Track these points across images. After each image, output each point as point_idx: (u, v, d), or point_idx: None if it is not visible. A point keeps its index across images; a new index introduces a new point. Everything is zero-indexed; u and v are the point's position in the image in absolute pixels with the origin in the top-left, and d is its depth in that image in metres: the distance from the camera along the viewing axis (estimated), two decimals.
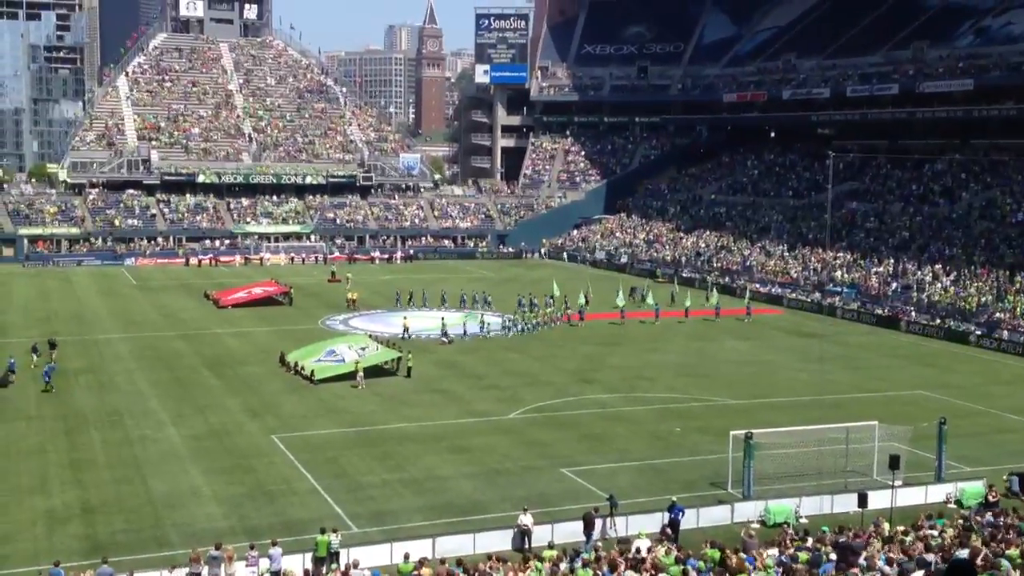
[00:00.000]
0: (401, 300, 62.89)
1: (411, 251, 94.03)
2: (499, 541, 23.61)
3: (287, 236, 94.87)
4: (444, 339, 51.50)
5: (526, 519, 24.16)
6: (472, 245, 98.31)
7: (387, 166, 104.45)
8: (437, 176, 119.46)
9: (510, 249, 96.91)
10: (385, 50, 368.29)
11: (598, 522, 24.75)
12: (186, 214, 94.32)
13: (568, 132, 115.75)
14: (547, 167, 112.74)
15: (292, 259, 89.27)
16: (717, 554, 19.65)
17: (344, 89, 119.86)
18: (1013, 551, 16.98)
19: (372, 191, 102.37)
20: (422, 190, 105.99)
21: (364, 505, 26.78)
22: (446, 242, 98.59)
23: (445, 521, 25.41)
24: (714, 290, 64.87)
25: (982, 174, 73.87)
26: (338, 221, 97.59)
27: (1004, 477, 28.59)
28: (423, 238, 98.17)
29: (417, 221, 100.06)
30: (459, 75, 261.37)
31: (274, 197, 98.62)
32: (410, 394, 40.07)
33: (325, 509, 26.28)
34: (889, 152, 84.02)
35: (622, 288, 62.16)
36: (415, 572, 20.13)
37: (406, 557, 21.39)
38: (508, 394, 39.95)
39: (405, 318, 54.17)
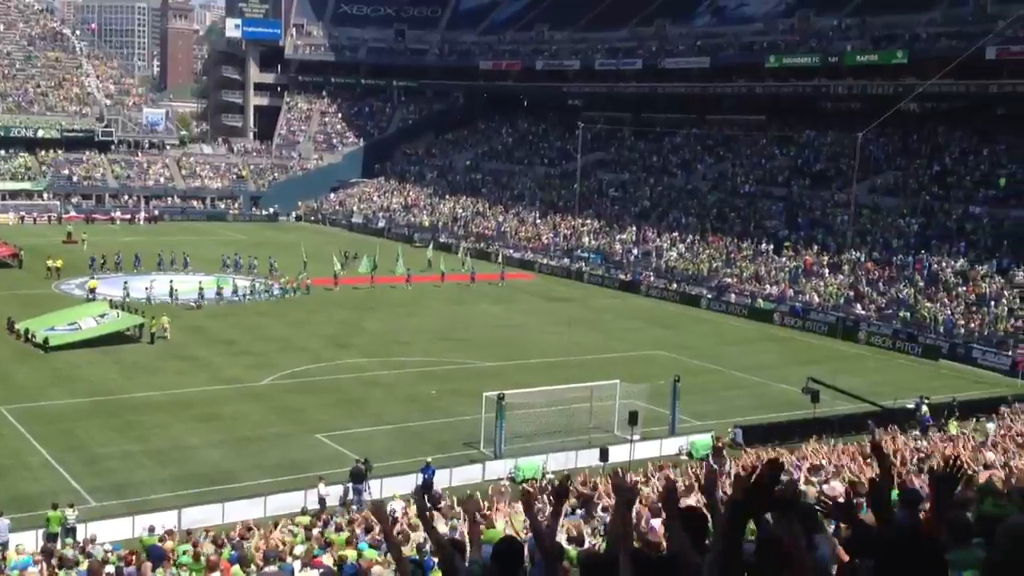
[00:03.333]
0: (164, 262, 60.07)
1: (156, 212, 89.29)
2: (249, 509, 23.17)
3: (16, 193, 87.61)
4: (192, 303, 49.60)
5: (323, 488, 24.20)
6: (223, 207, 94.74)
7: (129, 121, 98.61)
8: (184, 133, 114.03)
9: (264, 211, 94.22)
10: None
11: (349, 487, 24.83)
12: None
13: (325, 93, 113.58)
14: (303, 128, 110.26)
15: (22, 218, 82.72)
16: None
17: (80, 36, 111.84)
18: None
19: (112, 147, 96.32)
20: (168, 148, 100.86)
21: (104, 478, 25.53)
22: (194, 203, 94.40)
23: (193, 492, 24.69)
24: (467, 255, 65.91)
25: (716, 148, 78.88)
26: (74, 179, 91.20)
27: (729, 430, 30.92)
28: (169, 198, 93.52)
29: (163, 180, 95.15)
30: (208, 28, 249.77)
31: (1, 151, 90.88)
32: (154, 361, 38.40)
33: (60, 483, 24.86)
34: (634, 124, 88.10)
35: (373, 255, 61.29)
36: (159, 544, 19.43)
37: (150, 530, 20.61)
38: (260, 360, 39.07)
39: (153, 281, 51.69)
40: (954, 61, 56.65)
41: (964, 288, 48.69)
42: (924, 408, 31.77)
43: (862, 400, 31.53)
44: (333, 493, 24.94)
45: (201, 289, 50.75)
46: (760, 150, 75.11)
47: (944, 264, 51.32)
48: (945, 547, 6.41)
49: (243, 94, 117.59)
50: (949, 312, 46.94)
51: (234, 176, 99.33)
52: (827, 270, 55.08)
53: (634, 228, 69.45)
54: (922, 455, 22.17)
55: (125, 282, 51.07)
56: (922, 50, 65.81)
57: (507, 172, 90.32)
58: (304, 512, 22.64)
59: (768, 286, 55.45)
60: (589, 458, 27.83)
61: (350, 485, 24.92)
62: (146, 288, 50.24)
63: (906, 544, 2.99)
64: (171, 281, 51.77)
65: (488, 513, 19.07)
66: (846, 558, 6.48)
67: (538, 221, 76.90)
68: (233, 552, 18.24)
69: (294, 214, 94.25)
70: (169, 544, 19.12)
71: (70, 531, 21.06)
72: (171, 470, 26.44)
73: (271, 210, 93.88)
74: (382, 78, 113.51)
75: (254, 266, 60.30)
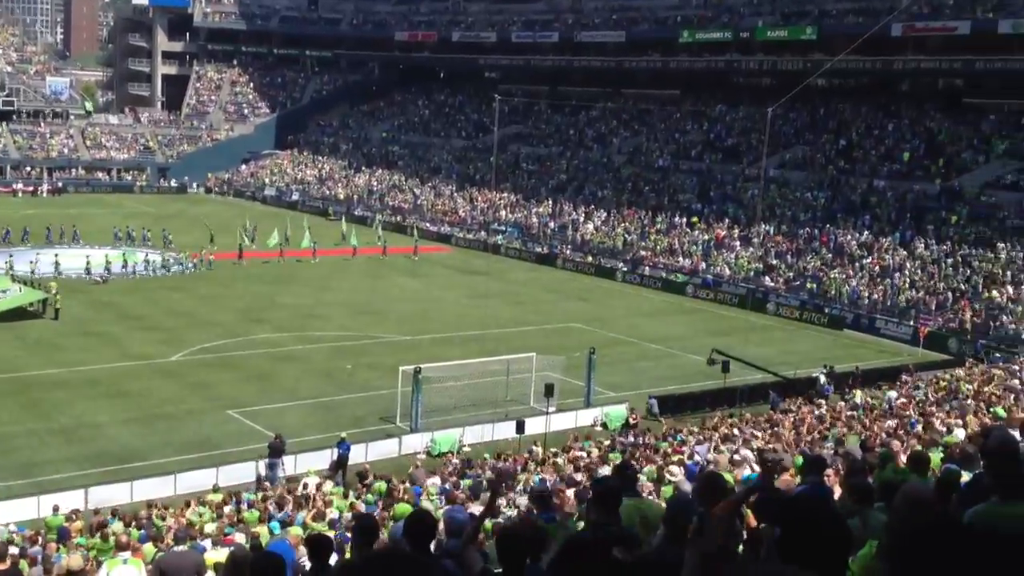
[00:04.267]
0: (53, 236, 58.17)
1: (59, 183, 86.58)
2: (159, 488, 22.78)
3: None
4: (98, 278, 48.32)
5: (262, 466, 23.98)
6: (130, 178, 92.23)
7: (32, 90, 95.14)
8: (89, 103, 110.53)
9: (173, 183, 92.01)
10: None
11: (262, 463, 24.56)
12: None
13: (235, 62, 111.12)
14: (213, 98, 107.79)
15: None
16: (383, 486, 20.14)
17: None
18: (650, 468, 18.75)
19: (14, 117, 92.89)
20: (72, 118, 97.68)
21: (8, 457, 24.84)
22: (100, 174, 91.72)
23: (100, 470, 24.15)
24: (380, 228, 65.18)
25: (631, 122, 79.52)
26: None
27: (647, 400, 31.38)
28: (74, 170, 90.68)
29: (67, 151, 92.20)
30: None
31: None
32: (59, 337, 37.35)
33: None
34: (550, 98, 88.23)
35: (281, 228, 59.99)
36: (66, 525, 19.00)
37: (55, 509, 20.12)
38: (170, 335, 38.30)
39: (56, 255, 50.14)
40: (860, 37, 57.92)
41: (868, 260, 50.10)
42: (823, 378, 32.69)
43: (764, 371, 32.30)
44: (249, 470, 24.64)
45: (108, 264, 49.46)
46: (674, 124, 75.98)
47: (849, 237, 52.69)
48: (849, 512, 6.66)
49: (150, 63, 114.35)
50: (854, 283, 48.26)
51: (141, 147, 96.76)
52: (738, 243, 56.11)
53: (550, 201, 69.71)
54: (826, 424, 22.86)
55: (35, 256, 49.62)
56: (830, 26, 67.23)
57: (423, 145, 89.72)
58: (216, 490, 22.32)
59: (681, 259, 56.28)
60: (506, 431, 28.01)
61: (267, 461, 24.61)
62: (31, 262, 48.48)
63: (808, 509, 3.07)
64: (56, 255, 49.88)
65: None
66: (754, 523, 6.66)
67: (455, 194, 76.65)
68: (142, 531, 17.94)
69: (204, 186, 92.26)
70: (77, 524, 18.72)
71: None
72: (78, 448, 25.83)
73: (180, 182, 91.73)
74: (295, 48, 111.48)
75: (147, 239, 58.82)
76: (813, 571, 2.75)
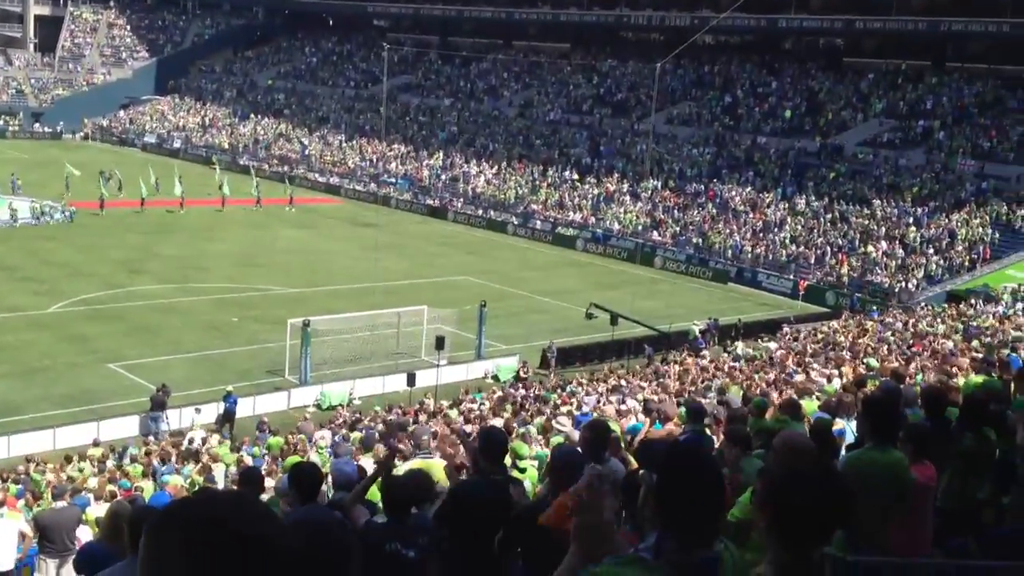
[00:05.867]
0: None
1: None
2: (37, 443, 22.07)
3: None
4: None
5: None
6: (2, 123, 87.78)
7: None
8: None
9: (47, 129, 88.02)
10: None
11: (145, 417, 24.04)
12: None
13: (112, 3, 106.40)
14: (88, 40, 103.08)
15: None
16: (279, 441, 19.91)
17: None
18: (539, 419, 18.99)
19: None
20: None
21: None
22: None
23: None
24: (256, 178, 62.87)
25: (521, 75, 79.36)
26: None
27: (548, 345, 31.40)
28: None
29: None
30: None
31: None
32: None
33: None
34: (440, 48, 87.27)
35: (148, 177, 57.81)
36: None
37: None
38: (46, 287, 36.85)
39: None
40: None
41: (751, 215, 51.41)
42: (696, 330, 33.51)
43: (639, 324, 32.84)
44: (131, 424, 24.06)
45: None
46: (564, 78, 76.12)
47: (734, 192, 53.94)
48: (728, 459, 6.87)
49: (22, 3, 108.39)
50: (737, 239, 49.50)
51: (13, 91, 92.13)
52: (627, 198, 56.83)
53: (441, 154, 69.25)
54: (709, 375, 23.49)
55: None
56: None
57: (310, 93, 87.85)
58: (96, 444, 21.73)
59: (571, 213, 56.72)
60: (397, 383, 27.98)
61: (149, 414, 24.06)
62: None
63: (684, 454, 3.16)
64: None
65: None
66: (635, 465, 6.82)
67: (344, 145, 75.43)
68: (19, 487, 17.38)
69: (80, 132, 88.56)
70: None
71: None
72: None
73: (55, 128, 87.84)
74: None
75: (17, 187, 56.00)
76: (688, 516, 2.82)
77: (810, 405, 12.17)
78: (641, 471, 5.76)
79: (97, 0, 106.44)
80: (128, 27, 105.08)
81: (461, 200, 62.21)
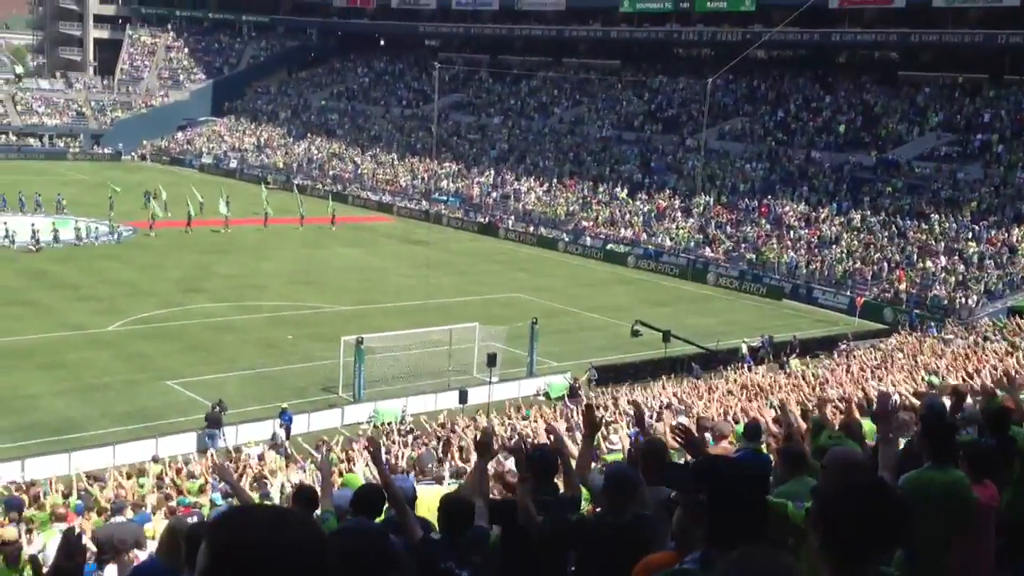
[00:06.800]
0: (11, 204, 56.63)
1: None
2: (98, 459, 22.44)
3: None
4: (31, 246, 47.18)
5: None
6: (63, 145, 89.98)
7: None
8: (20, 68, 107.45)
9: (106, 150, 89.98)
10: None
11: (203, 434, 24.36)
12: None
13: (170, 26, 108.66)
14: (147, 63, 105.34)
15: None
16: (334, 458, 20.03)
17: None
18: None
19: None
20: (2, 83, 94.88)
21: None
22: (32, 141, 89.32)
23: (37, 442, 23.71)
24: (299, 197, 63.21)
25: (572, 92, 79.46)
26: None
27: (587, 369, 31.47)
28: (4, 136, 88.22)
29: None
30: None
31: None
32: None
33: None
34: (491, 67, 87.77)
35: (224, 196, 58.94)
36: (17, 495, 18.63)
37: None
38: (107, 305, 37.59)
39: (5, 223, 48.83)
40: (798, 10, 58.45)
41: (806, 231, 50.85)
42: (744, 348, 33.19)
43: (687, 342, 32.51)
44: (189, 441, 24.41)
45: (44, 231, 48.19)
46: (615, 94, 76.08)
47: (787, 208, 53.41)
48: (782, 478, 6.77)
49: (82, 26, 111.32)
50: (792, 254, 48.97)
51: (74, 113, 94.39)
52: (679, 214, 56.54)
53: (492, 171, 69.52)
54: (763, 393, 23.21)
55: None
56: None
57: (363, 113, 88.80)
58: (155, 460, 22.05)
59: (623, 229, 56.56)
60: (448, 400, 28.04)
61: (206, 431, 24.40)
62: None
63: (732, 471, 3.10)
64: (5, 223, 48.88)
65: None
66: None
67: (396, 163, 76.05)
68: (79, 502, 17.68)
69: (138, 153, 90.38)
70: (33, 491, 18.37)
71: None
72: (13, 420, 25.31)
73: (115, 149, 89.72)
74: (231, 12, 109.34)
75: (40, 204, 57.15)
76: (735, 532, 2.77)
77: (869, 424, 11.98)
78: (674, 493, 5.71)
79: (155, 23, 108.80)
80: (186, 50, 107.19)
81: (512, 217, 62.34)
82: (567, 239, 57.60)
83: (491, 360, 28.25)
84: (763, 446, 9.85)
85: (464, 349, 31.17)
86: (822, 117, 62.79)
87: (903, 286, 43.50)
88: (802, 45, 68.97)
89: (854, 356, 28.76)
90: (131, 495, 18.02)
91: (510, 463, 16.98)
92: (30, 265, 44.03)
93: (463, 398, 27.25)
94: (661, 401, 23.55)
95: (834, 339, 35.14)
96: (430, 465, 18.19)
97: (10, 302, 37.28)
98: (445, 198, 67.64)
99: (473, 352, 30.98)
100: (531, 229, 60.04)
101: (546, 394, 30.14)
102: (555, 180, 65.12)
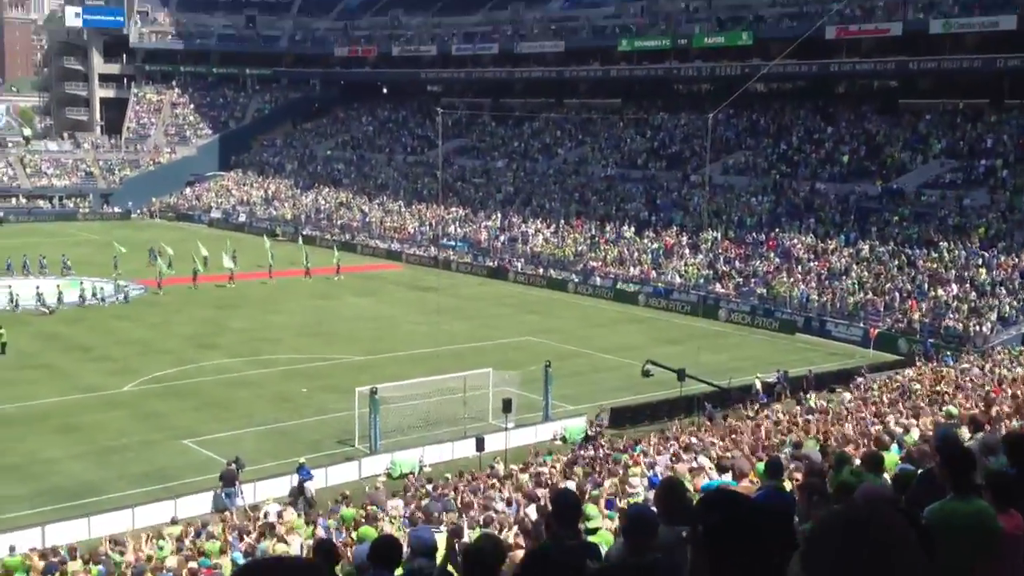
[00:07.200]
0: (14, 267, 56.96)
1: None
2: (117, 522, 22.38)
3: None
4: (43, 309, 47.39)
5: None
6: (72, 205, 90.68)
7: None
8: (27, 130, 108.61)
9: (116, 209, 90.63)
10: None
11: (219, 493, 24.29)
12: None
13: (174, 83, 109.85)
14: (153, 120, 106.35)
15: None
16: (352, 512, 19.97)
17: None
18: (611, 480, 18.84)
19: None
20: (10, 145, 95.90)
21: None
22: (41, 203, 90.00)
23: (55, 507, 23.67)
24: (304, 248, 63.29)
25: (574, 132, 79.96)
26: None
27: (596, 415, 31.03)
28: (14, 199, 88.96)
29: (6, 180, 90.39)
30: (47, 18, 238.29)
31: None
32: (5, 372, 36.54)
33: None
34: (493, 110, 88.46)
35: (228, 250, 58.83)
36: (27, 563, 18.58)
37: (11, 550, 19.68)
38: (120, 365, 37.68)
39: (11, 287, 49.11)
40: (795, 41, 58.91)
41: (815, 263, 50.82)
42: (758, 384, 32.95)
43: (698, 380, 32.18)
44: (205, 499, 24.35)
45: (48, 294, 48.38)
46: (617, 133, 76.53)
47: (795, 240, 53.42)
48: (805, 515, 6.73)
49: (88, 86, 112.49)
50: (803, 287, 48.91)
51: (83, 173, 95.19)
52: (687, 250, 56.59)
53: (499, 214, 69.80)
54: (783, 429, 23.11)
55: None
56: (766, 31, 68.39)
57: (369, 161, 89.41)
58: (174, 522, 21.99)
59: (631, 268, 56.62)
60: (465, 449, 27.93)
61: (223, 490, 24.32)
62: None
63: (729, 506, 2.89)
64: (10, 288, 49.18)
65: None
66: None
67: (403, 210, 76.42)
68: (101, 568, 17.62)
69: (147, 210, 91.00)
70: (37, 565, 18.31)
71: None
72: (30, 486, 25.28)
73: (124, 208, 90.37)
74: (234, 66, 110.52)
75: (44, 266, 57.49)
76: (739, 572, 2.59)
77: (891, 457, 11.91)
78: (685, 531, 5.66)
79: (160, 80, 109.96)
80: (191, 105, 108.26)
81: (521, 260, 62.46)
82: (576, 280, 57.63)
83: (506, 406, 28.17)
84: (785, 484, 9.80)
85: (479, 395, 31.08)
86: (825, 148, 63.00)
87: (916, 315, 43.34)
88: (801, 77, 69.41)
89: (871, 389, 28.62)
90: (152, 559, 17.99)
91: (531, 510, 16.92)
92: (42, 328, 44.21)
93: (480, 446, 27.13)
94: (683, 443, 23.41)
95: (850, 372, 34.97)
96: (435, 514, 18.19)
97: (25, 366, 37.41)
98: (453, 243, 67.85)
99: (488, 398, 30.90)
100: (540, 271, 60.13)
101: (563, 438, 30.02)
102: (562, 221, 65.32)
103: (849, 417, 23.27)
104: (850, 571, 2.28)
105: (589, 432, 29.38)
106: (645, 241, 59.26)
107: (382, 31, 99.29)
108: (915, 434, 17.81)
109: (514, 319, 48.88)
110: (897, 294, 45.60)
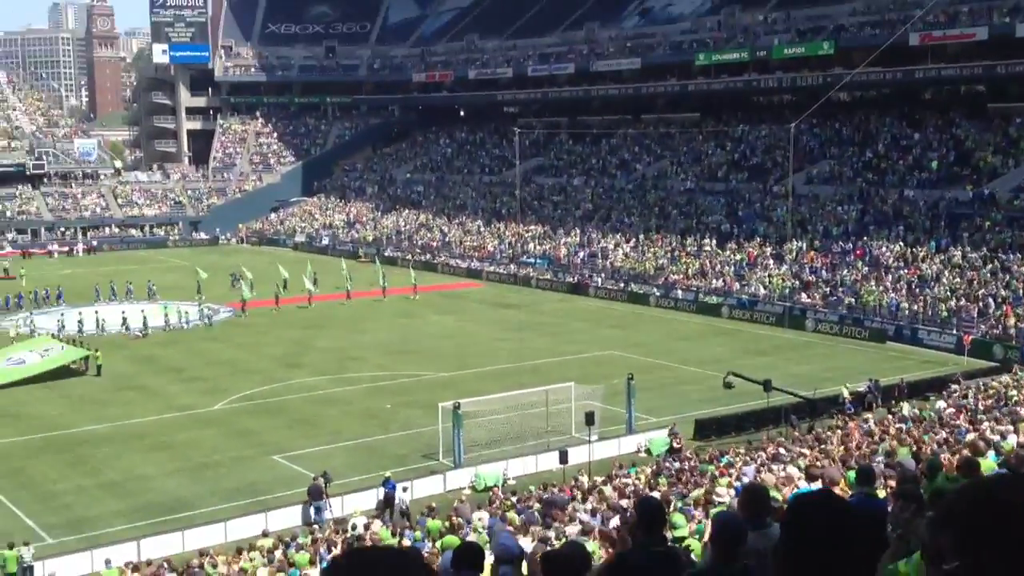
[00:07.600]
0: (102, 294, 58.71)
1: (94, 242, 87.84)
2: (209, 536, 22.84)
3: None
4: (138, 333, 48.80)
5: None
6: (162, 233, 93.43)
7: (61, 153, 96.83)
8: (118, 162, 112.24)
9: (204, 236, 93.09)
10: (50, 29, 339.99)
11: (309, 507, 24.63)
12: None
13: (258, 113, 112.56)
14: (238, 150, 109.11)
15: None
16: (438, 524, 20.09)
17: (3, 72, 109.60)
18: (697, 491, 18.58)
19: (45, 180, 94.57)
20: (102, 177, 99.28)
21: (59, 514, 25.02)
22: (133, 231, 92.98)
23: (150, 522, 24.27)
24: (379, 266, 63.79)
25: (653, 147, 79.57)
26: (8, 214, 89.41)
27: (669, 430, 30.46)
28: (107, 228, 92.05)
29: (99, 210, 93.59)
30: (135, 55, 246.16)
31: None
32: (102, 393, 37.73)
33: (14, 522, 24.31)
34: (570, 128, 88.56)
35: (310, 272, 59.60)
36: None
37: (107, 563, 20.24)
38: (211, 385, 38.58)
39: (97, 312, 50.77)
40: (878, 49, 57.76)
41: (905, 271, 49.61)
42: (845, 392, 32.21)
43: (782, 391, 31.55)
44: (294, 513, 24.71)
45: (134, 319, 49.79)
46: (696, 146, 75.94)
47: (884, 248, 52.24)
48: (901, 522, 6.53)
49: (175, 119, 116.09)
50: (892, 295, 47.77)
51: (172, 202, 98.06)
52: (771, 261, 55.77)
53: (578, 231, 69.75)
54: (875, 439, 22.55)
55: (60, 315, 50.28)
56: (847, 40, 67.23)
57: (448, 182, 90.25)
58: (265, 535, 22.36)
59: (714, 280, 55.99)
60: (549, 462, 27.85)
61: (311, 504, 24.66)
62: (57, 320, 48.65)
63: (810, 506, 2.76)
64: (96, 312, 51.01)
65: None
66: None
67: (483, 229, 76.90)
68: None
69: (235, 237, 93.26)
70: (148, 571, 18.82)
71: (27, 570, 20.63)
72: (127, 502, 25.98)
73: (212, 234, 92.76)
74: (315, 95, 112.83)
75: (131, 291, 59.01)
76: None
77: (988, 464, 11.52)
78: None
79: (244, 111, 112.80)
80: (274, 134, 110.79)
81: (601, 275, 62.26)
82: (658, 293, 57.20)
83: (589, 419, 28.05)
84: (878, 491, 9.54)
85: (561, 409, 31.01)
86: (912, 155, 61.56)
87: (1012, 321, 41.97)
88: (885, 84, 68.02)
89: (965, 396, 27.77)
90: (247, 572, 18.29)
91: (615, 521, 16.77)
92: (136, 351, 45.49)
93: (563, 458, 27.04)
94: (768, 454, 23.02)
95: (944, 380, 33.98)
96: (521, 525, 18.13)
97: (120, 387, 38.54)
98: (533, 260, 68.00)
99: (570, 412, 30.79)
100: (621, 286, 59.83)
101: (647, 450, 29.76)
102: (641, 235, 64.96)
103: (943, 425, 22.62)
104: (977, 539, 2.13)
105: (674, 444, 29.07)
106: (727, 253, 58.58)
107: (458, 56, 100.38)
108: (1012, 440, 17.22)
109: (595, 334, 48.67)
110: (991, 300, 44.23)
